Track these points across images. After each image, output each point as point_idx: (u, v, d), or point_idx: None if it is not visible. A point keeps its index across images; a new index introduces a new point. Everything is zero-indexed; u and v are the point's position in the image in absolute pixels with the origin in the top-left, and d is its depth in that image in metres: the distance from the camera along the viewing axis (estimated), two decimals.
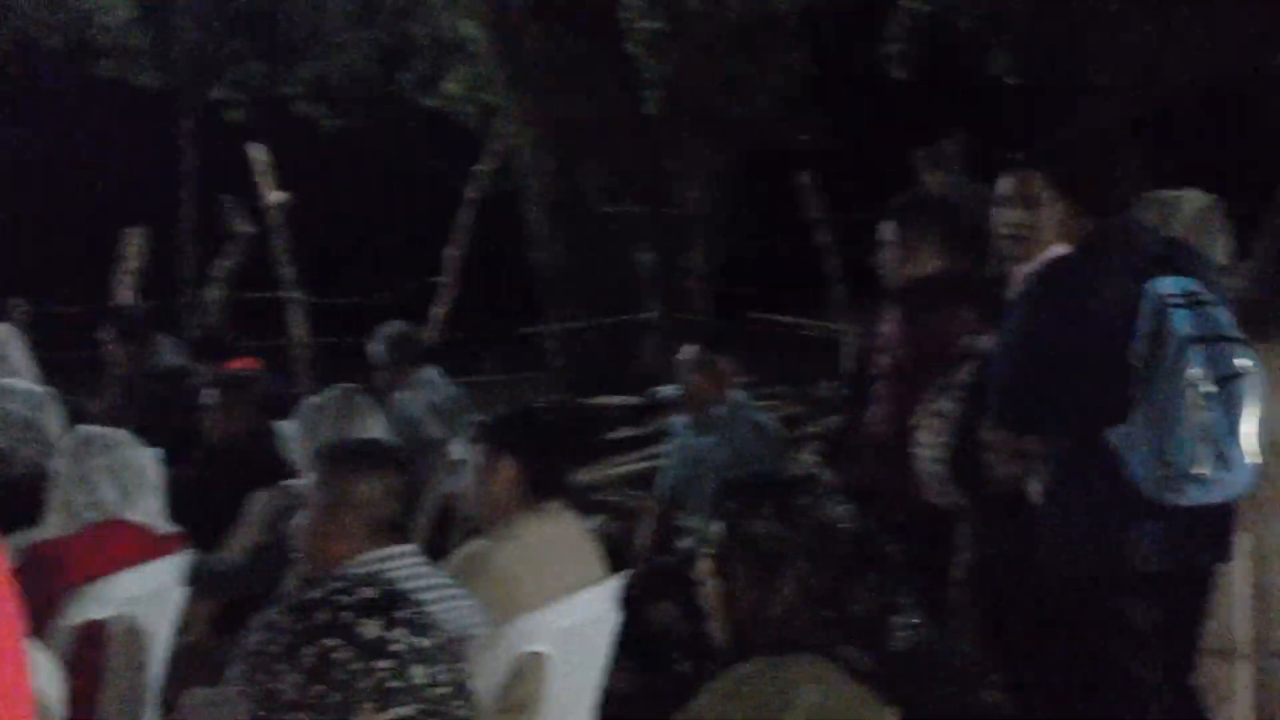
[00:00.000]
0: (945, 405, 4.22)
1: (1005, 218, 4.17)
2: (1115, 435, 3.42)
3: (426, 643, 1.80)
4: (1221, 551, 3.63)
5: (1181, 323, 3.37)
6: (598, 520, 6.41)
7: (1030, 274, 3.72)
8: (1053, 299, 3.57)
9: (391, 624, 1.79)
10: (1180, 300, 3.41)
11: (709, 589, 2.31)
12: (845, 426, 5.26)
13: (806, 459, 6.64)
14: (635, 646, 4.65)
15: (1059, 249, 4.06)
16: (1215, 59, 10.48)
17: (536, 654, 3.36)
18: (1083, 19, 11.24)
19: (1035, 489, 3.95)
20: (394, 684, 1.76)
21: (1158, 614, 3.61)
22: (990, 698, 4.71)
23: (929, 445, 4.24)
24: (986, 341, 4.18)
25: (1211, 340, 3.36)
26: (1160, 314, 3.38)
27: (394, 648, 1.77)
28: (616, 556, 4.05)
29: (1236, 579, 4.42)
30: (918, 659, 2.26)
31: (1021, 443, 3.98)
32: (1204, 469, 3.34)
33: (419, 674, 1.77)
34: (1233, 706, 4.47)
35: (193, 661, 4.00)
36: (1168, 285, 3.43)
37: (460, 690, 1.82)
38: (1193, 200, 4.30)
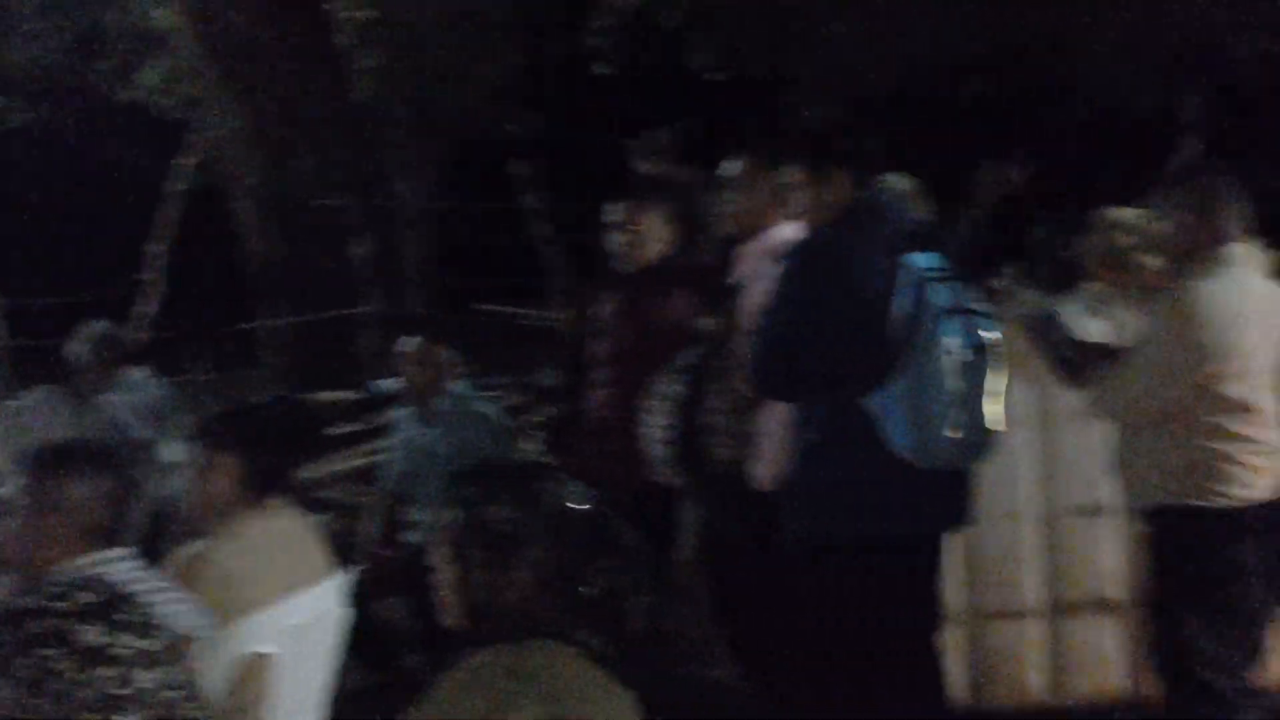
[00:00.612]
0: (670, 388, 4.29)
1: (731, 200, 4.28)
2: (874, 401, 3.56)
3: (153, 646, 1.73)
4: (965, 515, 3.80)
5: (938, 295, 3.55)
6: (322, 517, 6.29)
7: (790, 247, 3.83)
8: (811, 271, 3.68)
9: (113, 628, 1.71)
10: (935, 274, 3.58)
11: (442, 576, 2.27)
12: (567, 413, 5.28)
13: (531, 448, 6.63)
14: (364, 643, 4.57)
15: (787, 228, 4.18)
16: (913, 55, 10.91)
17: (262, 654, 3.27)
18: (783, 15, 11.55)
19: (757, 469, 4.05)
20: (118, 691, 1.68)
21: (905, 575, 3.75)
22: (720, 675, 4.81)
23: (655, 427, 4.30)
24: (710, 325, 4.27)
25: (963, 313, 3.54)
26: (918, 286, 3.54)
27: (117, 653, 1.69)
28: (342, 553, 3.97)
29: (1026, 541, 4.65)
30: (652, 640, 2.28)
31: (743, 423, 4.08)
32: (958, 432, 3.51)
33: (145, 679, 1.69)
34: (1025, 666, 4.69)
35: None
36: (924, 260, 3.60)
37: (191, 692, 1.75)
38: (894, 184, 4.48)
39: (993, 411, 3.60)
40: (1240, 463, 3.72)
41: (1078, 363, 3.99)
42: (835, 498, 3.67)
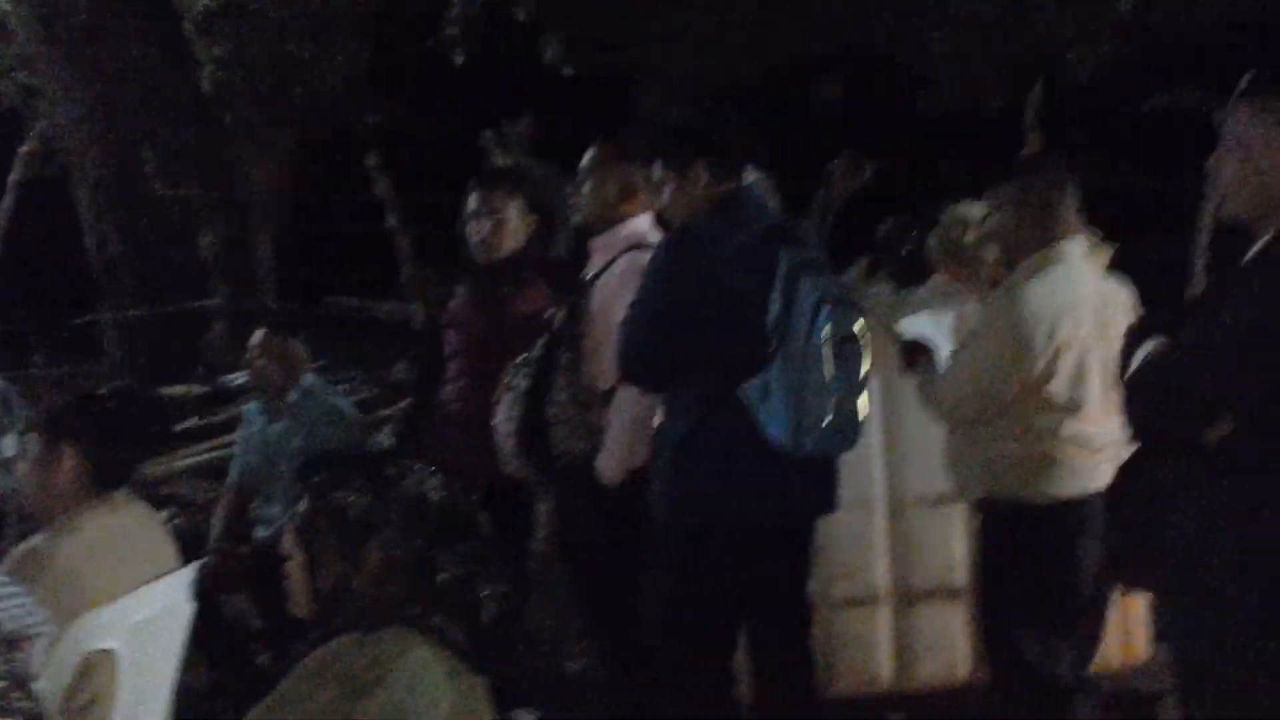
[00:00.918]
0: (519, 380, 4.29)
1: (585, 192, 4.29)
2: (748, 389, 3.59)
3: None
4: (831, 502, 3.84)
5: (812, 286, 3.58)
6: (168, 512, 6.17)
7: (662, 238, 3.85)
8: (686, 262, 3.69)
9: None
10: (810, 266, 3.62)
11: (294, 564, 2.25)
12: (420, 405, 5.24)
13: (384, 441, 6.58)
14: (211, 640, 4.50)
15: (642, 220, 4.21)
16: (763, 53, 11.01)
17: (105, 651, 3.19)
18: (636, 10, 11.59)
19: (604, 463, 4.07)
20: None
21: (771, 563, 3.79)
22: (574, 667, 4.82)
23: (505, 419, 4.30)
24: (561, 317, 4.27)
25: (835, 304, 3.59)
26: (794, 277, 3.57)
27: None
28: (189, 548, 3.90)
29: (874, 530, 4.71)
30: (506, 628, 2.27)
31: (589, 417, 4.09)
32: (831, 420, 3.55)
33: None
34: (874, 653, 4.75)
35: None
36: (798, 252, 3.63)
37: (18, 682, 1.70)
38: (755, 178, 4.52)
39: (862, 401, 3.66)
40: (1068, 459, 3.78)
41: (903, 359, 4.07)
42: (707, 486, 3.70)
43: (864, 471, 4.66)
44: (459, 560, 2.20)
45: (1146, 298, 3.98)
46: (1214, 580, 2.67)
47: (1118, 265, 4.09)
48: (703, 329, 3.65)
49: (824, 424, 3.58)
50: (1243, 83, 2.75)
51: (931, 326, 4.13)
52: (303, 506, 2.24)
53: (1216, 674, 2.72)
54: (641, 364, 3.77)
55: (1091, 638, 3.94)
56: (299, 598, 2.25)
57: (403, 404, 7.91)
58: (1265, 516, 2.60)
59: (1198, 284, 7.74)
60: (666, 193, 3.86)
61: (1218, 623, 2.69)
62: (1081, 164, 4.03)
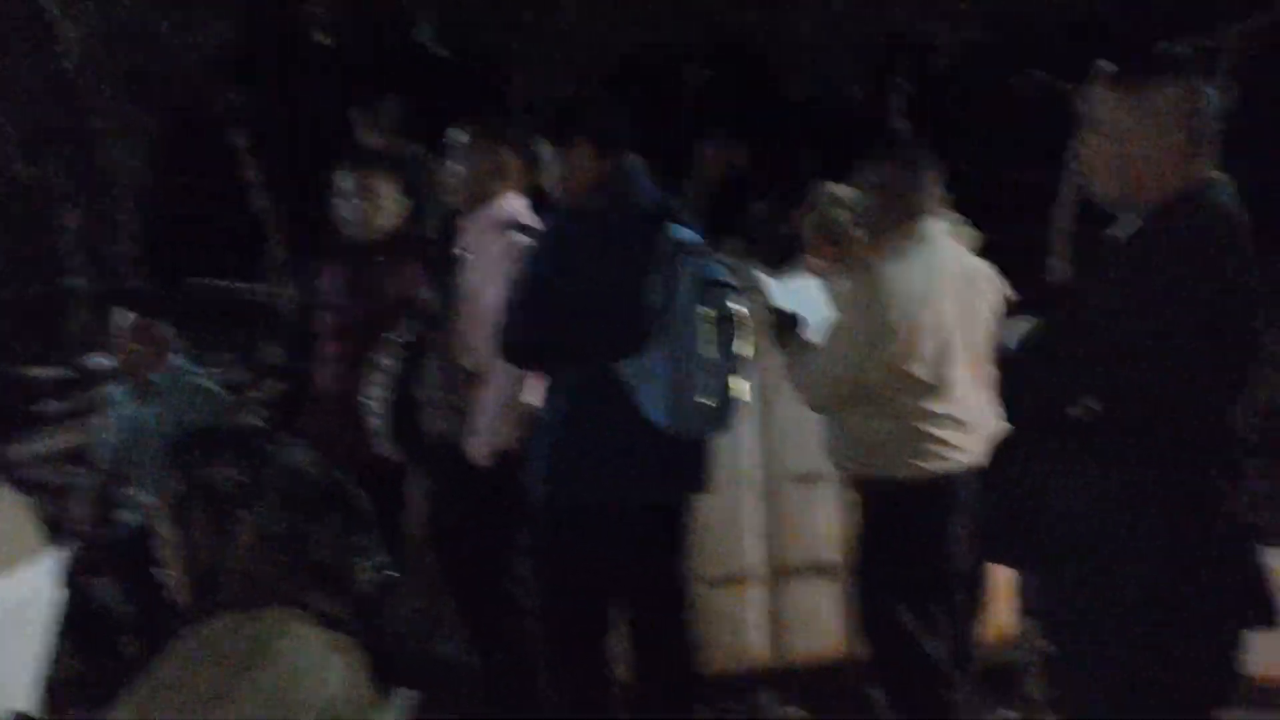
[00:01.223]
0: (389, 361, 4.27)
1: (456, 172, 4.28)
2: (628, 368, 3.59)
3: None
4: (704, 481, 3.86)
5: (694, 267, 3.60)
6: (31, 497, 6.01)
7: (546, 217, 3.84)
8: (565, 241, 3.69)
9: None
10: (690, 246, 3.63)
11: (166, 544, 2.21)
12: (292, 386, 5.19)
13: (254, 422, 6.48)
14: (78, 626, 4.41)
15: (513, 201, 4.21)
16: (635, 39, 11.04)
17: None
18: None
19: (473, 444, 4.07)
20: None
21: (645, 542, 3.81)
22: (446, 649, 4.80)
23: (375, 400, 4.28)
24: (430, 297, 4.26)
25: (714, 284, 3.61)
26: (675, 257, 3.58)
27: None
28: (54, 533, 3.82)
29: (751, 507, 4.75)
30: (383, 607, 2.26)
31: (459, 398, 4.09)
32: (711, 400, 3.57)
33: None
34: (749, 631, 4.79)
35: None
36: (679, 232, 3.65)
37: None
38: (633, 159, 4.51)
39: (738, 383, 3.68)
40: (935, 438, 3.85)
41: (777, 332, 4.11)
42: (583, 465, 3.70)
43: (740, 450, 4.70)
44: (335, 535, 2.18)
45: (1012, 280, 4.07)
46: (1080, 555, 2.73)
47: (983, 248, 4.17)
48: (582, 308, 3.65)
49: (702, 405, 3.60)
50: (1100, 66, 2.82)
51: (804, 299, 4.17)
52: (173, 485, 2.20)
53: (1081, 648, 2.80)
54: (520, 344, 3.77)
55: (967, 613, 4.02)
56: (172, 579, 2.21)
57: (271, 386, 7.81)
58: (1130, 494, 2.68)
59: (1057, 265, 7.91)
60: (548, 172, 3.85)
61: (1083, 597, 2.76)
62: (944, 147, 4.10)
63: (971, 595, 4.01)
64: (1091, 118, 2.81)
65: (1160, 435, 2.66)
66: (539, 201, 4.17)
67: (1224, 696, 2.82)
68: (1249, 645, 2.77)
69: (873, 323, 3.77)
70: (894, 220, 3.90)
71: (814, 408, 4.01)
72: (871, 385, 3.81)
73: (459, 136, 4.31)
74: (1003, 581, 4.31)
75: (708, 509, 4.28)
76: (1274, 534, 2.96)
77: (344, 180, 4.75)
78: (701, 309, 3.59)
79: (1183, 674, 2.72)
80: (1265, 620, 2.74)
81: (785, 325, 4.07)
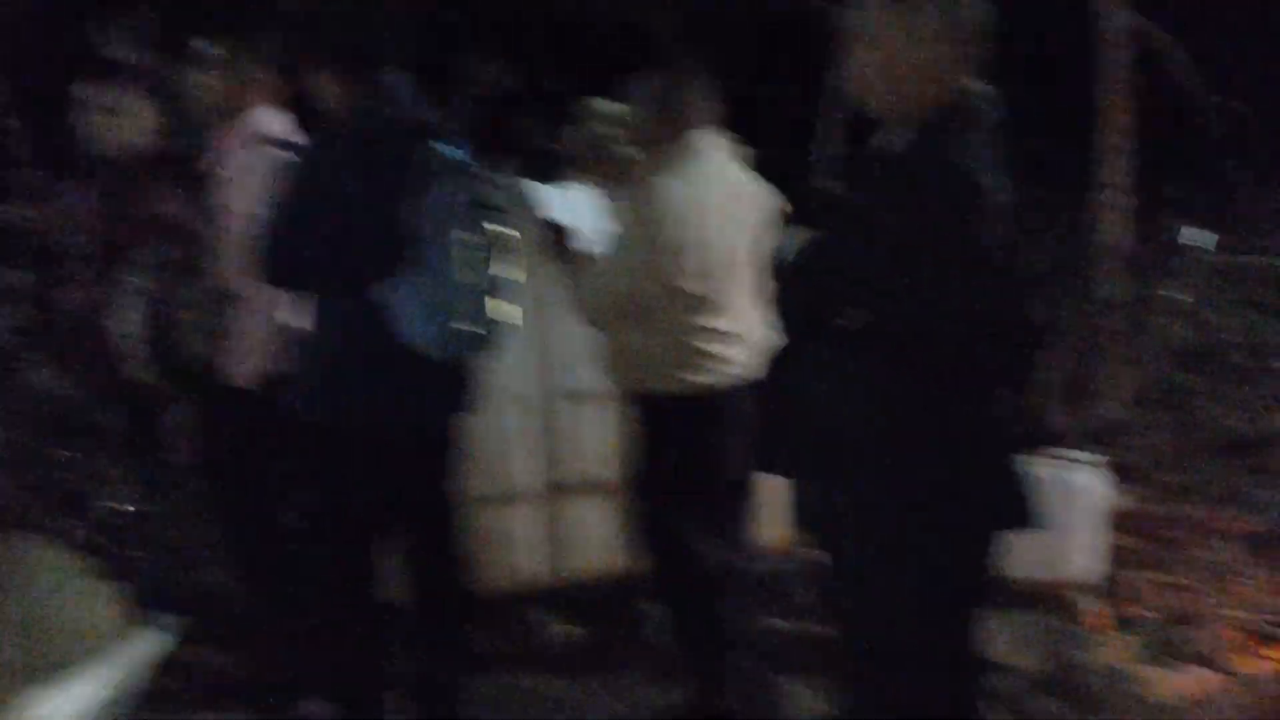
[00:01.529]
0: (142, 282, 4.13)
1: (207, 85, 4.14)
2: (386, 291, 3.49)
3: None
4: (469, 403, 3.81)
5: (453, 185, 3.50)
6: None
7: (305, 133, 3.70)
8: (323, 158, 3.56)
9: None
10: (455, 165, 3.53)
11: None
12: (41, 310, 4.97)
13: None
14: None
15: (266, 114, 4.07)
16: None
17: None
18: None
19: (234, 365, 3.95)
20: None
21: (412, 464, 3.75)
22: (211, 576, 4.68)
23: (127, 322, 4.13)
24: (183, 215, 4.12)
25: (476, 204, 3.52)
26: (435, 175, 3.48)
27: None
28: None
29: (519, 426, 4.70)
30: (132, 532, 2.17)
31: (216, 319, 3.96)
32: (473, 326, 3.50)
33: None
34: (519, 550, 4.76)
35: None
36: (442, 150, 3.53)
37: None
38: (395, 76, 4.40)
39: (504, 303, 3.62)
40: (708, 354, 3.87)
41: (552, 242, 4.07)
42: (347, 387, 3.61)
43: (514, 369, 4.66)
44: (79, 462, 2.08)
45: (785, 194, 4.09)
46: (849, 464, 2.78)
47: (753, 164, 4.19)
48: (341, 229, 3.54)
49: (459, 330, 3.54)
50: None
51: (578, 210, 4.13)
52: None
53: (850, 556, 2.85)
54: (279, 264, 3.64)
55: (740, 524, 4.07)
56: None
57: (19, 310, 7.47)
58: (896, 404, 2.72)
59: (822, 176, 8.03)
60: (308, 86, 3.72)
61: (852, 505, 2.81)
62: (712, 64, 4.09)
63: (744, 506, 4.07)
64: (862, 31, 2.82)
65: (926, 345, 2.70)
66: (306, 117, 4.04)
67: (985, 598, 2.91)
68: (1008, 548, 2.86)
69: (646, 238, 3.76)
70: (665, 136, 3.89)
71: (590, 323, 3.99)
72: (646, 300, 3.80)
73: (206, 48, 4.16)
74: (775, 491, 4.37)
75: (481, 428, 4.24)
76: (1033, 441, 3.05)
77: (89, 96, 4.53)
78: (460, 233, 3.51)
79: (946, 578, 2.79)
80: (1021, 522, 2.83)
81: (558, 237, 4.02)
